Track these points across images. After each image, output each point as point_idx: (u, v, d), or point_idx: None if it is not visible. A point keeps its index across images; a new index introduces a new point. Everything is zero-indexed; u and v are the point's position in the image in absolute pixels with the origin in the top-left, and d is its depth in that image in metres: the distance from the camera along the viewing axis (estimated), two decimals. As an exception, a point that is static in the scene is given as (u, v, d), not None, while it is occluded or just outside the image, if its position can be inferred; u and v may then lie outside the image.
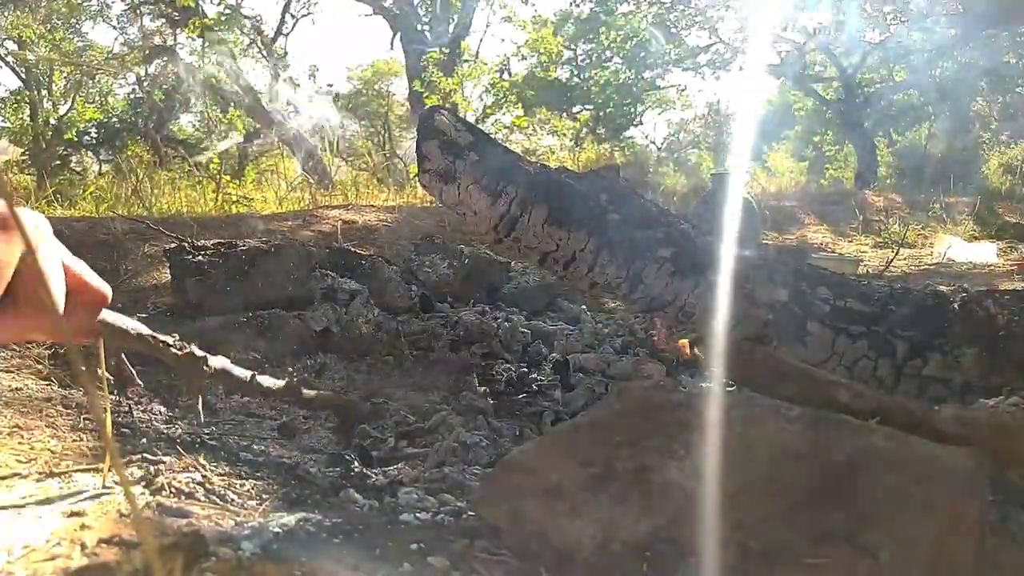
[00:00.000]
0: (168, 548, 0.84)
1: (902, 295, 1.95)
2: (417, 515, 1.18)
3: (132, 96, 17.18)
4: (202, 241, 3.16)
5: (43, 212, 5.19)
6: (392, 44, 15.42)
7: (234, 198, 6.35)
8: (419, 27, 14.62)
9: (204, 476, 1.26)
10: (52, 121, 15.13)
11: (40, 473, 1.18)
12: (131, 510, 0.94)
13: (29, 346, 2.02)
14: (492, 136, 2.61)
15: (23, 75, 15.30)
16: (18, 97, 16.05)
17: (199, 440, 1.67)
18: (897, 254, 6.06)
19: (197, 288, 2.81)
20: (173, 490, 1.16)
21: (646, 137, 20.73)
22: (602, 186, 2.15)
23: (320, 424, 2.02)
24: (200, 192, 6.64)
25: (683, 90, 19.30)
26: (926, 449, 0.96)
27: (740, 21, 14.52)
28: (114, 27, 16.45)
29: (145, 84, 16.20)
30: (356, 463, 1.62)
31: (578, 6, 16.81)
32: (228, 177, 6.89)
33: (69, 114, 15.28)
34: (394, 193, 7.14)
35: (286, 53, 16.68)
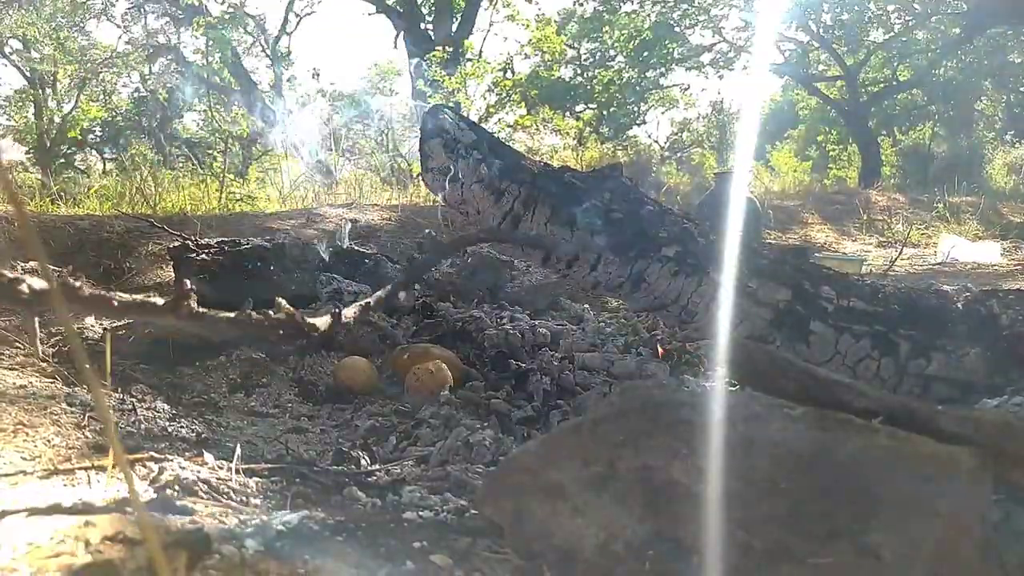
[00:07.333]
0: (172, 545, 0.84)
1: (905, 294, 1.94)
2: (420, 513, 1.19)
3: (136, 95, 17.23)
4: (206, 239, 3.17)
5: (47, 210, 5.23)
6: (396, 43, 15.44)
7: (237, 196, 6.36)
8: (422, 26, 14.63)
9: (208, 474, 1.26)
10: (56, 120, 15.16)
11: (44, 471, 1.18)
12: (135, 508, 0.94)
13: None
14: (495, 135, 2.61)
15: (27, 74, 15.34)
16: (23, 96, 16.10)
17: (203, 438, 1.67)
18: (900, 253, 6.06)
19: (200, 286, 2.81)
20: (177, 488, 1.16)
21: (649, 136, 20.74)
22: (605, 185, 2.14)
23: (324, 422, 2.03)
24: (204, 191, 6.65)
25: (686, 89, 19.28)
26: (929, 449, 0.96)
27: (744, 20, 14.51)
28: (118, 26, 16.50)
29: (149, 82, 16.26)
30: (364, 459, 1.63)
31: (581, 5, 16.81)
32: (232, 176, 6.90)
33: (73, 113, 15.30)
34: (397, 192, 7.14)
35: (289, 52, 16.73)
